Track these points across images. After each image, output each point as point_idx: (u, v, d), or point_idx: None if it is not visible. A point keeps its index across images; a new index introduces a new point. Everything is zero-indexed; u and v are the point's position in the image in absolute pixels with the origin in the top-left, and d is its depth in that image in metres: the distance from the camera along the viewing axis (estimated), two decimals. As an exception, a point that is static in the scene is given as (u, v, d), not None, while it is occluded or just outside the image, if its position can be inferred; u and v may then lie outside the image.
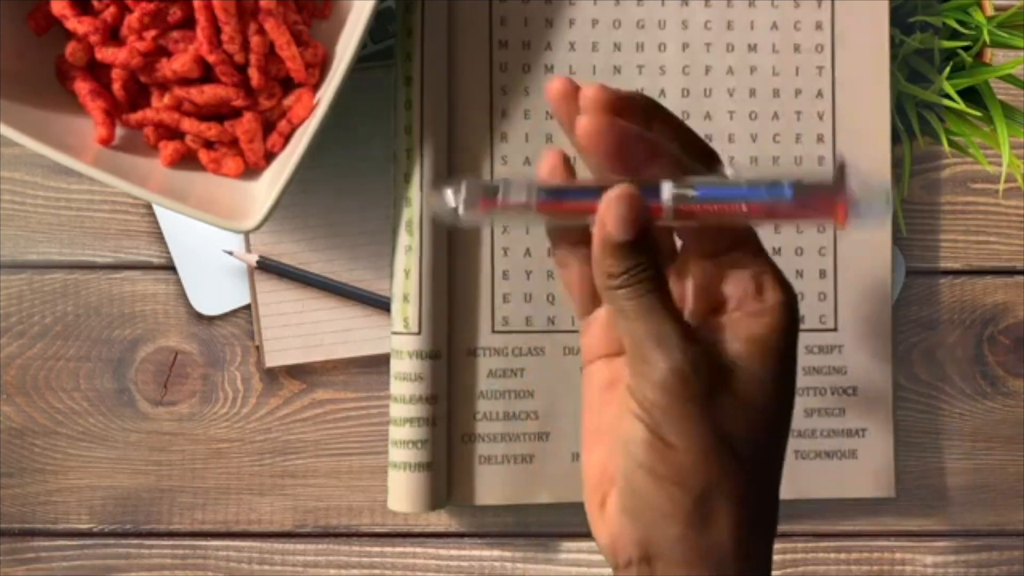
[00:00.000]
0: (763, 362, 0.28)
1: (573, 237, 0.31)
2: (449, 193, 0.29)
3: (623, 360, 0.29)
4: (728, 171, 0.28)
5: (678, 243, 0.31)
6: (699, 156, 0.29)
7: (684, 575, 0.28)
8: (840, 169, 0.26)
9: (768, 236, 0.46)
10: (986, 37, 0.43)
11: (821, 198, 0.26)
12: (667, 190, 0.27)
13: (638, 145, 0.28)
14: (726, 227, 0.28)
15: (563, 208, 0.28)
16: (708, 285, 0.29)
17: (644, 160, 0.28)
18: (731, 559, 0.28)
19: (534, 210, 0.28)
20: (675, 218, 0.27)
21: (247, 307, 0.47)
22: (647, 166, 0.28)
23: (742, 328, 0.28)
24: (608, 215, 0.27)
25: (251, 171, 0.42)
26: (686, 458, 0.27)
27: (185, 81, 0.41)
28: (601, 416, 0.31)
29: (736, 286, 0.28)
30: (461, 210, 0.29)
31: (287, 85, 0.42)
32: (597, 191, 0.27)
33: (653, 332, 0.27)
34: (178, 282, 0.47)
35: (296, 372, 0.47)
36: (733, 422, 0.27)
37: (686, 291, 0.30)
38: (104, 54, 0.40)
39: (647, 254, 0.27)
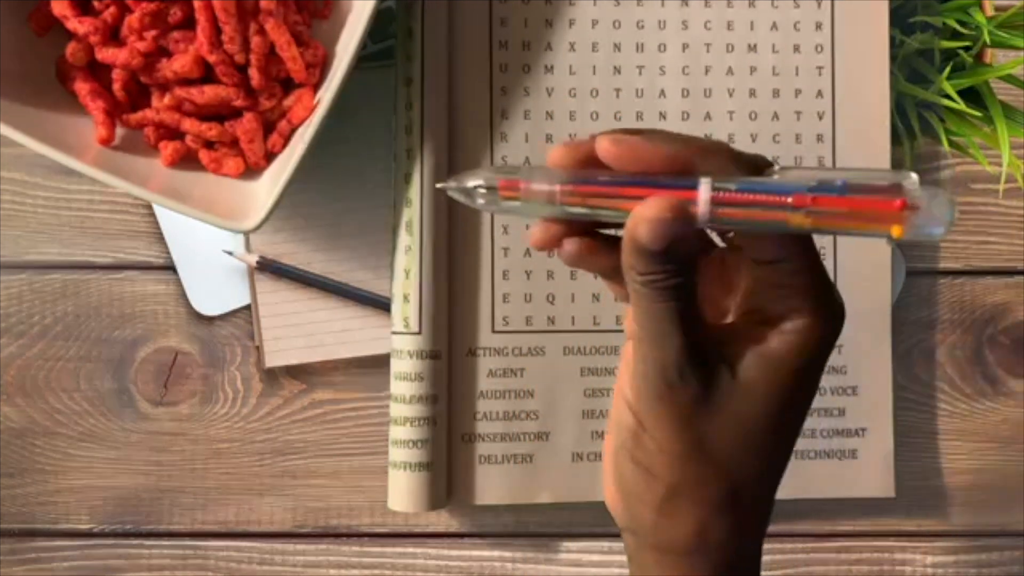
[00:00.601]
0: (769, 381, 0.27)
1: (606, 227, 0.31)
2: (471, 177, 0.28)
3: None
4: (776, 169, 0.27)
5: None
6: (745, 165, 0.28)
7: (652, 559, 0.29)
8: (903, 177, 0.25)
9: (768, 236, 0.46)
10: (986, 37, 0.43)
11: (878, 197, 0.24)
12: (705, 187, 0.26)
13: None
14: (765, 234, 0.27)
15: (592, 194, 0.27)
16: (746, 288, 0.29)
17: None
18: (693, 559, 0.28)
19: (556, 198, 0.27)
20: (712, 220, 0.26)
21: (247, 307, 0.47)
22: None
23: (761, 342, 0.28)
24: (639, 226, 0.26)
25: (251, 171, 0.42)
26: (661, 454, 0.28)
27: (185, 81, 0.41)
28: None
29: (770, 298, 0.28)
30: (479, 198, 0.28)
31: (287, 85, 0.42)
32: (628, 183, 0.27)
33: (656, 331, 0.27)
34: (178, 282, 0.47)
35: (296, 372, 0.47)
36: (717, 432, 0.27)
37: (729, 284, 0.30)
38: (104, 54, 0.40)
39: (675, 263, 0.26)
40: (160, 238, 0.47)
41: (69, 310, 0.47)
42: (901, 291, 0.49)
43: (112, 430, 0.47)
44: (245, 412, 0.47)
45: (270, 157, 0.42)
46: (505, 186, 0.28)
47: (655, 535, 0.29)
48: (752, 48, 0.46)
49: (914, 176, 0.24)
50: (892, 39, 0.46)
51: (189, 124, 0.41)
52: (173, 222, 0.47)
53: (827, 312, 0.28)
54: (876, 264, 0.46)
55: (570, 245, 0.28)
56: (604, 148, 0.27)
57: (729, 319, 0.29)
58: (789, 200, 0.25)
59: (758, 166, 0.27)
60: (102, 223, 0.47)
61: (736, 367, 0.28)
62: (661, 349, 0.27)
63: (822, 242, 0.46)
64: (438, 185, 0.29)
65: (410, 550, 0.48)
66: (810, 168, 0.26)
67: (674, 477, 0.28)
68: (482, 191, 0.28)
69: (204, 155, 0.42)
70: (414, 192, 0.43)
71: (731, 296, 0.30)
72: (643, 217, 0.26)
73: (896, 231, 0.24)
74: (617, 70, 0.46)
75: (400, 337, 0.44)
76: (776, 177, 0.26)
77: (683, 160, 0.26)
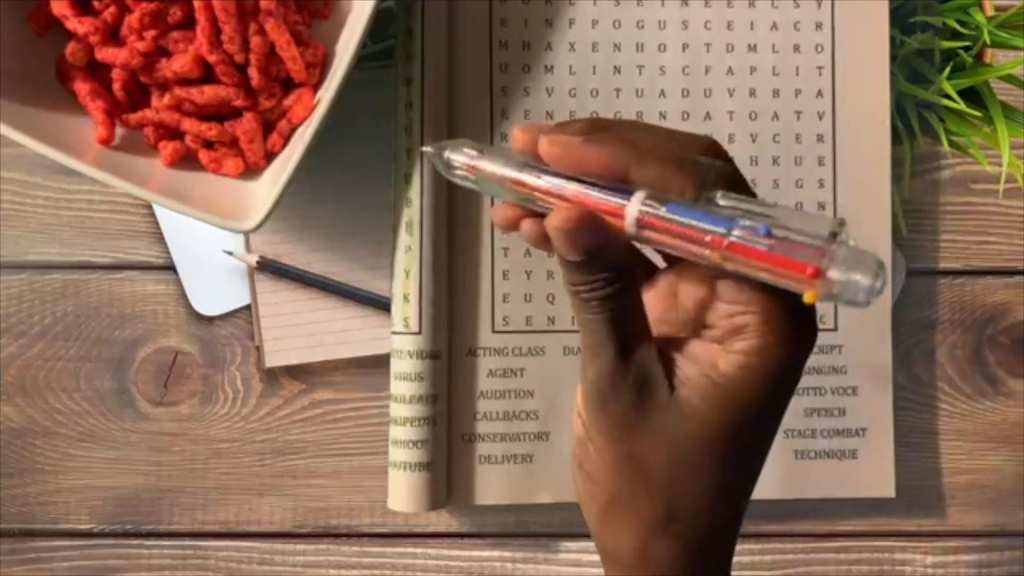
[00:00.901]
0: (709, 403, 0.26)
1: None
2: (441, 148, 0.29)
3: None
4: (721, 199, 0.25)
5: None
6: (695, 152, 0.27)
7: (606, 568, 0.29)
8: (832, 235, 0.22)
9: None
10: (986, 37, 0.43)
11: (795, 259, 0.22)
12: (633, 207, 0.25)
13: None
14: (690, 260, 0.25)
15: (536, 191, 0.27)
16: (699, 301, 0.28)
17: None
18: (634, 569, 0.28)
19: (508, 185, 0.28)
20: (640, 239, 0.25)
21: (247, 307, 0.47)
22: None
23: (706, 360, 0.26)
24: (554, 237, 0.26)
25: (251, 171, 0.42)
26: (598, 464, 0.28)
27: (185, 81, 0.41)
28: None
29: (721, 314, 0.26)
30: (443, 166, 0.29)
31: (287, 85, 0.42)
32: (567, 185, 0.26)
33: (591, 342, 0.27)
34: (178, 282, 0.47)
35: (296, 372, 0.47)
36: (652, 447, 0.27)
37: (684, 295, 0.29)
38: (104, 54, 0.40)
39: (606, 274, 0.26)
40: (160, 238, 0.47)
41: (69, 310, 0.47)
42: (901, 291, 0.49)
43: (112, 430, 0.47)
44: (245, 412, 0.47)
45: (270, 157, 0.42)
46: (465, 166, 0.29)
47: (601, 544, 0.29)
48: (752, 48, 0.46)
49: (849, 240, 0.22)
50: (892, 39, 0.46)
51: (189, 124, 0.41)
52: (173, 222, 0.47)
53: (783, 335, 0.26)
54: (876, 264, 0.46)
55: (527, 226, 0.28)
56: (543, 149, 0.26)
57: (680, 333, 0.28)
58: (707, 239, 0.24)
59: (705, 179, 0.25)
60: (102, 223, 0.47)
61: (676, 384, 0.27)
62: (596, 359, 0.27)
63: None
64: (423, 148, 0.29)
65: (410, 550, 0.48)
66: (751, 203, 0.24)
67: (612, 487, 0.28)
68: (456, 163, 0.29)
69: (204, 155, 0.42)
70: (414, 192, 0.43)
71: (684, 309, 0.29)
72: (551, 225, 0.25)
73: (808, 296, 0.23)
74: (617, 70, 0.46)
75: (400, 337, 0.44)
76: (720, 199, 0.25)
77: (621, 167, 0.26)
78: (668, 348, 0.28)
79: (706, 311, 0.27)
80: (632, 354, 0.26)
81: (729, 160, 0.27)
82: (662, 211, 0.24)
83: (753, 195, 0.27)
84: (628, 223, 0.25)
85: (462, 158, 0.29)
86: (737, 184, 0.26)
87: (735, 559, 0.49)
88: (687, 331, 0.28)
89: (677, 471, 0.27)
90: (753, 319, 0.26)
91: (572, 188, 0.26)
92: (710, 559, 0.28)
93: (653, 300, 0.29)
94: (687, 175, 0.25)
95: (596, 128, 0.27)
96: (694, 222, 0.24)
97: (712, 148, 0.27)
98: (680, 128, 0.45)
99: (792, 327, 0.26)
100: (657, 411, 0.26)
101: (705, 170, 0.26)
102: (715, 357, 0.26)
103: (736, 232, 0.23)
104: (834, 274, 0.22)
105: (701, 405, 0.26)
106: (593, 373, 0.27)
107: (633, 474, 0.27)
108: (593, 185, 0.26)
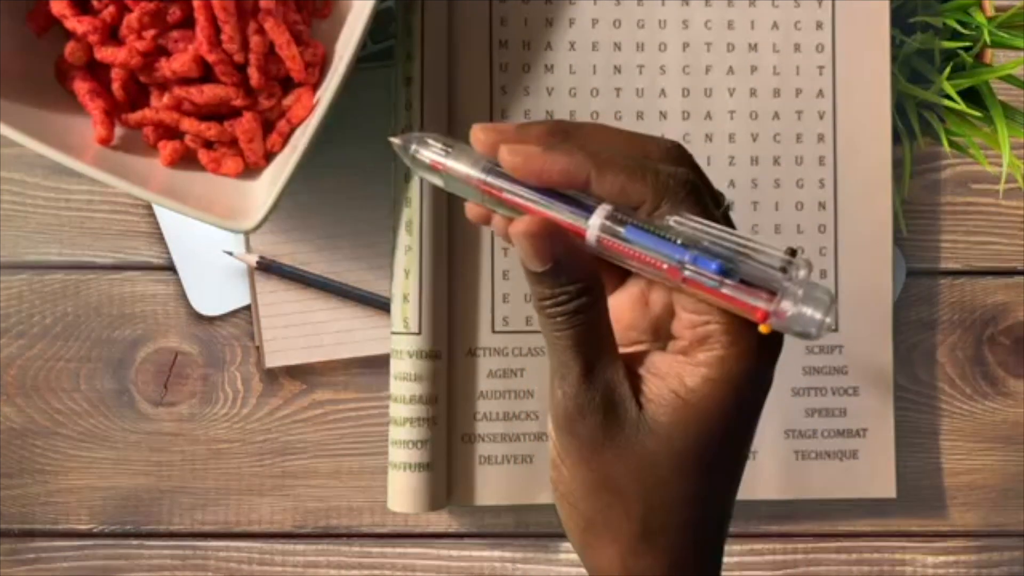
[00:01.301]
0: (673, 416, 0.26)
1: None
2: (408, 141, 0.28)
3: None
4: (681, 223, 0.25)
5: None
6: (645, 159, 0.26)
7: None
8: (783, 267, 0.23)
9: (767, 234, 0.46)
10: (986, 38, 0.43)
11: (746, 299, 0.23)
12: (592, 230, 0.25)
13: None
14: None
15: (501, 196, 0.27)
16: (664, 312, 0.28)
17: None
18: None
19: (474, 187, 0.27)
20: (601, 251, 0.25)
21: (247, 307, 0.47)
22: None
23: (672, 374, 0.26)
24: (517, 245, 0.26)
25: (251, 171, 0.42)
26: (572, 486, 0.27)
27: (185, 81, 0.41)
28: None
29: (685, 324, 0.26)
30: (409, 160, 0.28)
31: (287, 85, 0.42)
32: (530, 197, 0.26)
33: (557, 361, 0.27)
34: (178, 282, 0.47)
35: (296, 372, 0.47)
36: (622, 466, 0.26)
37: (652, 306, 0.29)
38: (103, 54, 0.40)
39: (572, 284, 0.26)
40: (160, 238, 0.47)
41: (69, 310, 0.47)
42: (901, 291, 0.48)
43: (112, 430, 0.47)
44: (245, 412, 0.47)
45: (269, 157, 0.42)
46: (434, 163, 0.28)
47: (586, 563, 0.29)
48: (753, 47, 0.46)
49: (801, 272, 0.23)
50: (892, 39, 0.46)
51: (188, 124, 0.41)
52: (173, 222, 0.47)
53: (747, 344, 0.25)
54: (877, 264, 0.46)
55: (498, 220, 0.28)
56: (503, 158, 0.26)
57: (650, 340, 0.28)
58: (664, 267, 0.24)
59: (666, 187, 0.25)
60: (102, 223, 0.47)
61: (644, 401, 0.26)
62: (563, 381, 0.26)
63: (823, 242, 0.46)
64: (390, 139, 0.29)
65: (410, 550, 0.48)
66: (706, 228, 0.24)
67: (587, 508, 0.27)
68: (422, 158, 0.28)
69: (203, 155, 0.42)
70: (414, 192, 0.43)
71: (651, 321, 0.28)
72: (514, 233, 0.25)
73: (763, 328, 0.23)
74: (617, 69, 0.46)
75: (400, 337, 0.44)
76: (674, 222, 0.25)
77: (581, 177, 0.26)
78: (634, 363, 0.27)
79: (668, 323, 0.27)
80: (598, 374, 0.26)
81: (693, 166, 0.27)
82: (621, 232, 0.25)
83: (719, 199, 0.27)
84: (589, 241, 0.25)
85: (429, 153, 0.28)
86: (698, 191, 0.26)
87: (736, 559, 0.49)
88: (657, 338, 0.28)
89: (650, 488, 0.26)
90: (716, 329, 0.25)
91: (534, 201, 0.26)
92: (696, 569, 0.28)
93: (624, 304, 0.29)
94: (646, 184, 0.25)
95: (558, 132, 0.27)
96: (650, 249, 0.24)
97: (674, 153, 0.27)
98: (681, 128, 0.45)
99: (756, 336, 0.25)
100: (625, 430, 0.26)
101: (666, 178, 0.25)
102: (682, 371, 0.26)
103: (689, 268, 0.24)
104: (785, 309, 0.23)
105: (669, 421, 0.26)
106: (560, 395, 0.27)
107: (607, 494, 0.27)
108: (555, 197, 0.26)
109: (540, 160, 0.26)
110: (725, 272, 0.23)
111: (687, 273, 0.24)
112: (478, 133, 0.27)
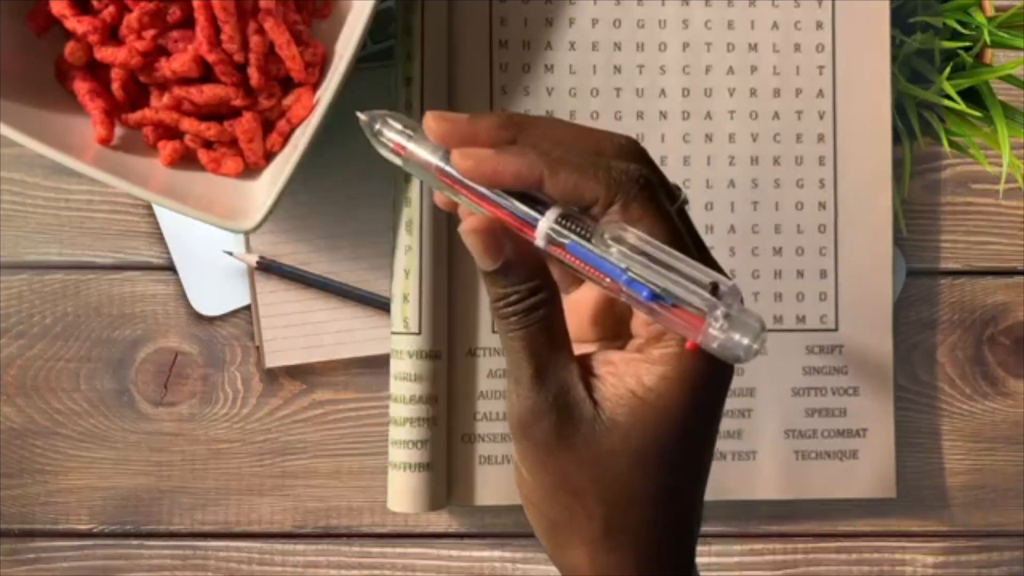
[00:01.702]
0: (631, 416, 0.26)
1: None
2: (373, 119, 0.28)
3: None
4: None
5: None
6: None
7: None
8: (713, 291, 0.24)
9: (767, 234, 0.46)
10: (986, 38, 0.43)
11: (676, 324, 0.24)
12: (544, 227, 0.25)
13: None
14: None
15: (457, 188, 0.27)
16: (621, 310, 0.27)
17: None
18: None
19: (433, 174, 0.27)
20: (549, 255, 0.26)
21: (247, 307, 0.47)
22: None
23: (629, 372, 0.26)
24: (468, 243, 0.26)
25: (251, 171, 0.42)
26: (533, 489, 0.27)
27: (185, 81, 0.41)
28: None
29: (642, 322, 0.26)
30: (374, 139, 0.28)
31: (287, 85, 0.42)
32: (484, 196, 0.27)
33: (513, 367, 0.27)
34: (178, 282, 0.47)
35: (296, 372, 0.47)
36: (579, 467, 0.26)
37: (612, 305, 0.28)
38: (103, 54, 0.40)
39: (524, 283, 0.26)
40: (160, 238, 0.47)
41: (69, 310, 0.47)
42: (901, 291, 0.48)
43: (112, 430, 0.47)
44: (245, 412, 0.47)
45: (269, 157, 0.42)
46: (396, 145, 0.28)
47: (556, 563, 0.28)
48: (753, 47, 0.46)
49: (729, 302, 0.23)
50: (892, 39, 0.46)
51: (188, 124, 0.41)
52: (173, 222, 0.47)
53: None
54: (877, 264, 0.46)
55: (463, 209, 0.28)
56: (455, 161, 0.26)
57: (612, 335, 0.28)
58: (606, 280, 0.25)
59: (618, 185, 0.25)
60: (102, 223, 0.47)
61: (599, 399, 0.26)
62: (516, 383, 0.26)
63: (823, 242, 0.46)
64: (357, 113, 0.29)
65: (410, 550, 0.48)
66: (642, 243, 0.25)
67: (549, 510, 0.27)
68: (385, 138, 0.28)
69: (203, 155, 0.42)
70: (414, 192, 0.43)
71: (616, 316, 0.28)
72: (464, 231, 0.26)
73: (688, 346, 0.25)
74: (617, 69, 0.46)
75: (400, 337, 0.44)
76: (610, 241, 0.25)
77: (534, 177, 0.25)
78: (593, 363, 0.27)
79: (625, 321, 0.27)
80: (551, 375, 0.26)
81: (647, 161, 0.27)
82: (566, 243, 0.25)
83: (675, 194, 0.27)
84: (538, 244, 0.26)
85: (391, 135, 0.28)
86: (652, 187, 0.26)
87: (736, 559, 0.49)
88: (619, 335, 0.28)
89: (608, 488, 0.26)
90: None
91: (486, 197, 0.26)
92: (665, 569, 0.28)
93: (589, 298, 0.29)
94: (599, 182, 0.25)
95: (510, 126, 0.27)
96: (592, 265, 0.25)
97: (627, 149, 0.27)
98: (681, 128, 0.45)
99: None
100: (581, 431, 0.26)
101: (619, 174, 0.25)
102: (639, 369, 0.26)
103: (624, 291, 0.24)
104: (714, 335, 0.23)
105: (627, 421, 0.26)
106: (514, 398, 0.27)
107: (566, 496, 0.27)
108: (508, 194, 0.26)
109: (492, 163, 0.26)
110: (656, 297, 0.24)
111: (623, 297, 0.25)
112: (430, 122, 0.27)
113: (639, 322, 0.27)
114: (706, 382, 0.26)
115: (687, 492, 0.28)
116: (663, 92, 0.46)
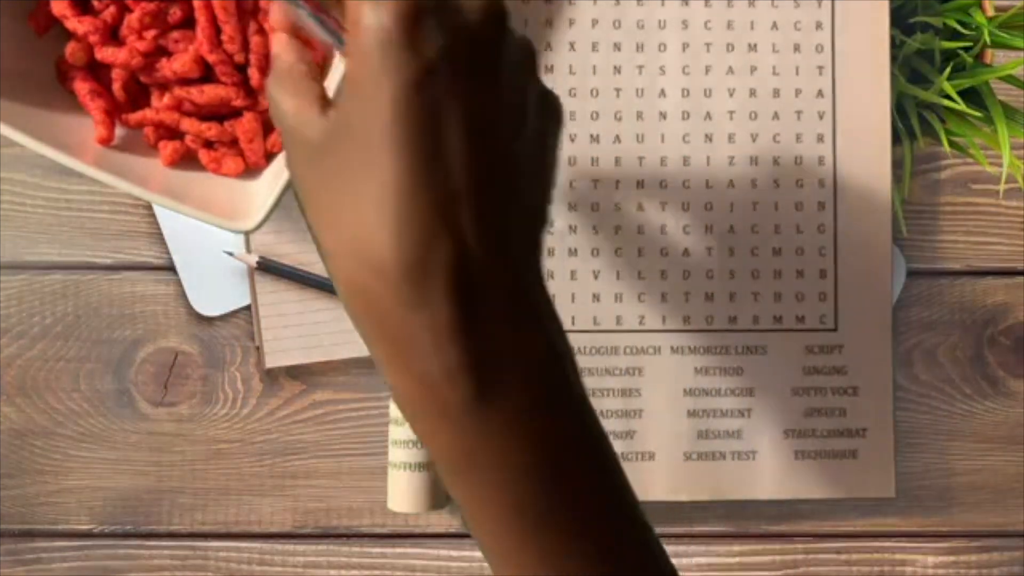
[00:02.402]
0: (351, 108, 0.26)
1: None
2: None
3: None
4: None
5: None
6: None
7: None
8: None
9: (767, 234, 0.46)
10: (987, 38, 0.43)
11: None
12: None
13: None
14: None
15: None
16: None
17: None
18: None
19: None
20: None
21: (247, 308, 0.47)
22: None
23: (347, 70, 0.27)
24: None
25: (251, 171, 0.42)
26: (318, 206, 0.28)
27: (185, 81, 0.41)
28: None
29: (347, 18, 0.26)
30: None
31: (287, 85, 0.42)
32: None
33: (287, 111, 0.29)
34: (178, 283, 0.47)
35: (296, 373, 0.47)
36: (331, 177, 0.27)
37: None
38: (104, 54, 0.40)
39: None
40: (160, 238, 0.47)
41: (69, 310, 0.47)
42: (901, 291, 0.49)
43: (112, 430, 0.47)
44: (245, 413, 0.47)
45: (270, 157, 0.42)
46: None
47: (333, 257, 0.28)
48: (752, 48, 0.46)
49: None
50: (892, 39, 0.46)
51: (189, 124, 0.41)
52: (173, 222, 0.47)
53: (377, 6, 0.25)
54: (877, 264, 0.46)
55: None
56: None
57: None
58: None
59: None
60: (102, 223, 0.47)
61: (339, 101, 0.27)
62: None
63: (822, 242, 0.46)
64: None
65: (410, 550, 0.48)
66: None
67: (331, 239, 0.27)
68: None
69: (204, 155, 0.42)
70: (414, 192, 0.43)
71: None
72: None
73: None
74: (617, 70, 0.46)
75: (400, 337, 0.44)
76: None
77: None
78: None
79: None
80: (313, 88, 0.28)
81: None
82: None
83: None
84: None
85: None
86: None
87: (736, 559, 0.49)
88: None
89: (333, 198, 0.27)
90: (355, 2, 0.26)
91: None
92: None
93: None
94: None
95: None
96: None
97: None
98: (681, 128, 0.45)
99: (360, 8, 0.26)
100: (333, 137, 0.27)
101: None
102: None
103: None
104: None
105: (347, 113, 0.27)
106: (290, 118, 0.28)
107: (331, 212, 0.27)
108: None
109: None
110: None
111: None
112: None
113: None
114: (380, 56, 0.26)
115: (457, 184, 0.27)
116: (663, 92, 0.46)
